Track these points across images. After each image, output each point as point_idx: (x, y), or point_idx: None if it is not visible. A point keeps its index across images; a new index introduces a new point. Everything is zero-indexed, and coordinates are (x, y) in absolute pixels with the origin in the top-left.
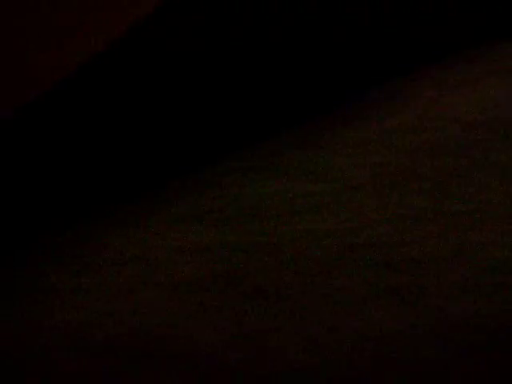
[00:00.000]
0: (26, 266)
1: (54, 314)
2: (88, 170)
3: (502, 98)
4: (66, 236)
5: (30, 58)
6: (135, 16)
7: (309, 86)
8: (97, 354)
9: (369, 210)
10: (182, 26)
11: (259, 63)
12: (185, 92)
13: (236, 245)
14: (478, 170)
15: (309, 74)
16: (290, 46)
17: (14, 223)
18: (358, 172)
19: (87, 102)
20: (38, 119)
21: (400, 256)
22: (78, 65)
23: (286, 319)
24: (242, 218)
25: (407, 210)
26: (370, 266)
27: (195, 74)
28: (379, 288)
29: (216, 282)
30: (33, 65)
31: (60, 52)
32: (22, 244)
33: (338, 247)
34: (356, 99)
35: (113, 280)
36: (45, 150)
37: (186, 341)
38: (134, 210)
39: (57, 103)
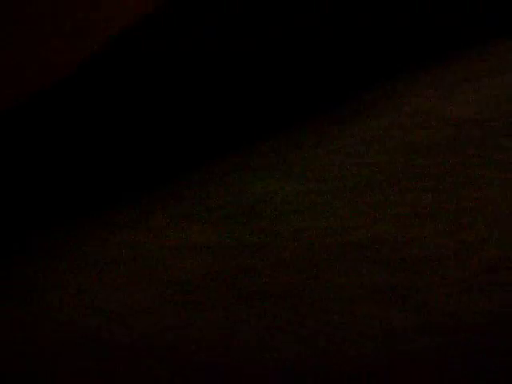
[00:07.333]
0: (25, 266)
1: (52, 313)
2: (88, 170)
3: (501, 96)
4: (66, 235)
5: (29, 56)
6: (134, 16)
7: (308, 86)
8: (96, 354)
9: (368, 208)
10: (182, 25)
11: (259, 63)
12: (185, 92)
13: (235, 243)
14: (476, 168)
15: (308, 73)
16: (288, 46)
17: (13, 223)
18: (356, 171)
19: (87, 101)
20: (37, 119)
21: (400, 254)
22: (78, 65)
23: (285, 318)
24: (241, 217)
25: (406, 208)
26: (369, 265)
27: (195, 73)
28: (379, 286)
29: (216, 281)
30: (31, 63)
31: (60, 51)
32: (21, 244)
33: (337, 246)
34: (354, 98)
35: (112, 279)
36: (44, 149)
37: (186, 340)
38: (134, 209)
39: (56, 103)
